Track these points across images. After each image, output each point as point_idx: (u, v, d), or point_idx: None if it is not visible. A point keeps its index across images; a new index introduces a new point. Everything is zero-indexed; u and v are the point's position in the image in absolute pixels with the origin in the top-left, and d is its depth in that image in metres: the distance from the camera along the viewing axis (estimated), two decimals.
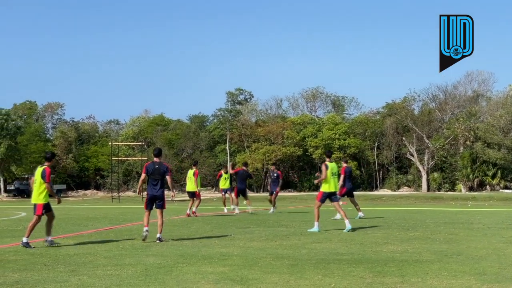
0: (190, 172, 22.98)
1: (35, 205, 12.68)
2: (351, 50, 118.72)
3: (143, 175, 13.53)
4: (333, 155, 16.60)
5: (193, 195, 22.65)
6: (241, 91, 75.62)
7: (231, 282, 7.99)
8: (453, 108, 66.17)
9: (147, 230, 13.05)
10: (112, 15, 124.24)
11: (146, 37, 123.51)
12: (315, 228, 15.41)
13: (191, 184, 22.76)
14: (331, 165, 15.60)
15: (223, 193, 25.01)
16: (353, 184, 21.69)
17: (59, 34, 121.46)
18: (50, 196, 12.75)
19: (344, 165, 21.02)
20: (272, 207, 24.64)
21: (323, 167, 15.51)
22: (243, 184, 24.28)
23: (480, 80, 68.94)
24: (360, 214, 20.20)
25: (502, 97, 65.39)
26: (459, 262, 9.64)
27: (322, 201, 15.65)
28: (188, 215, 21.96)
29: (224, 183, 24.85)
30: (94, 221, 20.27)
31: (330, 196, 15.57)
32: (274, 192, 24.95)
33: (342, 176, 19.54)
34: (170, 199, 22.43)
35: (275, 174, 25.70)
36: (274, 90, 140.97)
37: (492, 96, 67.82)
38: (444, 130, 64.14)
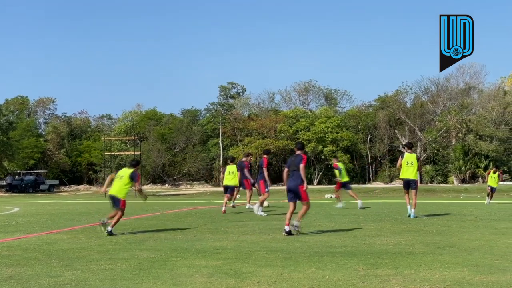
0: (232, 167, 20.74)
1: (118, 199, 13.64)
2: (343, 43, 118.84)
3: (285, 169, 13.15)
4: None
5: (233, 190, 20.77)
6: (233, 85, 75.62)
7: (225, 275, 8.00)
8: (445, 100, 66.37)
9: (291, 225, 12.74)
10: (105, 9, 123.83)
11: (138, 31, 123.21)
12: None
13: (234, 178, 20.49)
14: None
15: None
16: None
17: (50, 29, 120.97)
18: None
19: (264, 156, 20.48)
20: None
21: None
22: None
23: (472, 72, 69.29)
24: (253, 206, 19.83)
25: (493, 89, 65.66)
26: (452, 253, 9.68)
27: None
28: (224, 212, 19.71)
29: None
30: (88, 216, 20.21)
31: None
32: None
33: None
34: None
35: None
36: (266, 84, 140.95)
37: (484, 88, 68.07)
38: (436, 122, 64.33)
